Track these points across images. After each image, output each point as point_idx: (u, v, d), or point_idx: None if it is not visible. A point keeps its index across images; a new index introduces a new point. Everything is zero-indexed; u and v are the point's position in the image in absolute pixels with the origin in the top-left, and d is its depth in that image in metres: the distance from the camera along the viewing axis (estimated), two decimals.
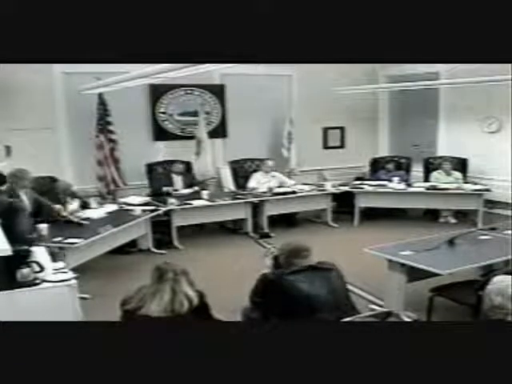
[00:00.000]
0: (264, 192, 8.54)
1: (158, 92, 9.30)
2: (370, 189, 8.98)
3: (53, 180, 7.65)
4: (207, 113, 9.67)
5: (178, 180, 8.71)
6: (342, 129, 10.97)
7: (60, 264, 4.50)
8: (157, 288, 3.44)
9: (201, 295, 3.54)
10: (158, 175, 8.89)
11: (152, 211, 7.46)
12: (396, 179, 8.95)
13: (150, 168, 8.94)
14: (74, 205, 6.85)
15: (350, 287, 3.84)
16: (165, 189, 8.42)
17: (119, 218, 7.04)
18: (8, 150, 7.28)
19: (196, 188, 8.66)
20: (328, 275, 3.64)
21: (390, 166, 9.62)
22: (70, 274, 4.24)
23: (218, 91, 9.76)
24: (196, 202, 7.97)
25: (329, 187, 8.92)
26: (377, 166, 10.06)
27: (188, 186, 8.72)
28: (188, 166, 9.09)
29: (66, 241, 5.67)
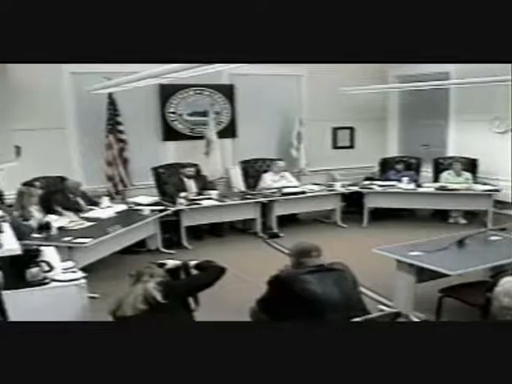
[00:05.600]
0: (273, 192, 8.54)
1: (167, 92, 9.31)
2: (380, 189, 8.95)
3: (62, 180, 7.70)
4: (217, 113, 9.66)
5: (190, 184, 8.57)
6: (351, 129, 10.96)
7: (69, 263, 4.53)
8: (130, 290, 3.50)
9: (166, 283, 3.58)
10: (168, 178, 8.75)
11: (161, 211, 7.48)
12: (405, 179, 8.90)
13: (157, 171, 8.84)
14: None
15: (359, 288, 3.83)
16: (180, 195, 8.11)
17: (128, 217, 7.07)
18: (18, 150, 7.32)
19: (210, 192, 8.38)
20: (340, 276, 3.63)
21: (400, 166, 9.57)
22: (79, 274, 4.27)
23: (227, 91, 9.77)
24: (205, 202, 7.99)
25: (338, 187, 8.91)
26: (386, 166, 10.04)
27: (201, 189, 8.56)
28: (197, 168, 8.95)
29: (75, 240, 5.70)
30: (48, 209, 6.87)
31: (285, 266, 3.85)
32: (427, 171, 9.88)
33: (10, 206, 6.50)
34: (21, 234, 5.09)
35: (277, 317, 3.55)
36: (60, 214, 6.71)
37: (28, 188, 6.62)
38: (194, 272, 3.86)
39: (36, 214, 6.42)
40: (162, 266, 3.79)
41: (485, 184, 8.81)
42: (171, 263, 3.86)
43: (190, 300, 3.71)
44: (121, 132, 8.60)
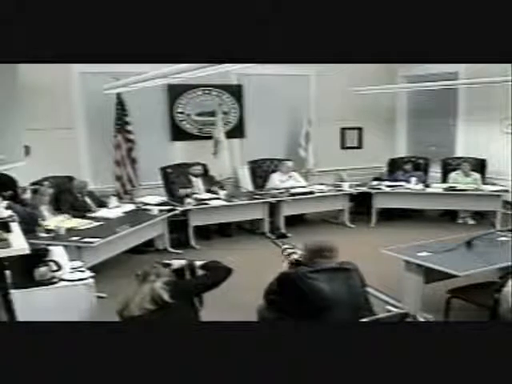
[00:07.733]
0: (281, 192, 8.54)
1: (175, 92, 9.31)
2: (388, 189, 8.94)
3: (70, 179, 7.72)
4: (225, 113, 9.66)
5: (197, 182, 8.59)
6: (359, 129, 10.94)
7: (77, 263, 4.54)
8: (137, 290, 3.49)
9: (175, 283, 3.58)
10: (176, 178, 8.77)
11: (169, 211, 7.50)
12: (414, 180, 8.90)
13: (165, 171, 8.85)
14: None
15: (366, 288, 3.82)
16: (182, 191, 8.28)
17: (136, 217, 7.08)
18: (27, 149, 7.35)
19: (218, 192, 8.42)
20: (349, 275, 3.62)
21: (408, 166, 9.55)
22: (87, 273, 4.28)
23: (235, 91, 9.77)
24: (213, 202, 7.99)
25: (346, 187, 8.90)
26: (394, 166, 10.01)
27: (208, 189, 8.58)
28: (205, 167, 8.97)
29: (83, 240, 5.72)
30: (57, 208, 6.91)
31: None
32: (436, 171, 9.85)
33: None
34: (28, 222, 5.13)
35: (285, 315, 3.55)
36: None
37: (40, 187, 6.66)
38: (200, 272, 3.86)
39: (46, 214, 6.44)
40: (167, 266, 3.79)
41: (493, 184, 8.77)
42: (176, 263, 3.86)
43: (195, 300, 3.71)
44: (129, 132, 8.61)
